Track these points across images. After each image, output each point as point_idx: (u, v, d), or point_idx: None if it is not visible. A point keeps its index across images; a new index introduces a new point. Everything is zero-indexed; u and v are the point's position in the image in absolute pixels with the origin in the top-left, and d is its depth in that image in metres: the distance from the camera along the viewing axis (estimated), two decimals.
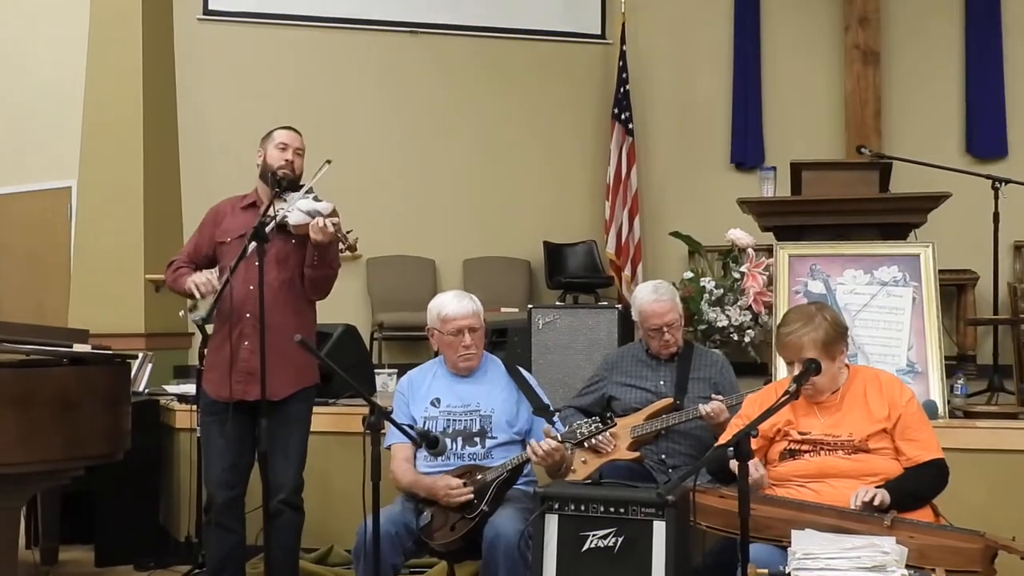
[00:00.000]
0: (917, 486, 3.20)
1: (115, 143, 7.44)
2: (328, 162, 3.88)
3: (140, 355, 5.82)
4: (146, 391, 5.76)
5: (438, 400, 3.78)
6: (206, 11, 7.89)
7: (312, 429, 4.08)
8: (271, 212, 3.73)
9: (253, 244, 3.59)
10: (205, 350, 4.21)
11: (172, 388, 5.88)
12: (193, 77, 7.82)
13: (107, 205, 7.44)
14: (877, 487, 3.12)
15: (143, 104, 7.43)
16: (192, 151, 7.72)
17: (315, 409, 4.12)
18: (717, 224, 6.04)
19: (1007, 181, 5.44)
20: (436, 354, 3.91)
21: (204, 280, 3.82)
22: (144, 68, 7.48)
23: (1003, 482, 4.35)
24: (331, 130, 7.59)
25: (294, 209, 3.76)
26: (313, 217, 3.76)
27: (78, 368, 3.87)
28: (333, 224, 3.73)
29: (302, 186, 3.90)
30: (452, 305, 3.77)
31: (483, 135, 8.18)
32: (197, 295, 3.83)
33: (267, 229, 3.64)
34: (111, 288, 7.21)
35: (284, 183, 3.84)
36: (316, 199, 3.82)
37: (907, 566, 2.74)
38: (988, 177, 5.46)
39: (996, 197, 5.42)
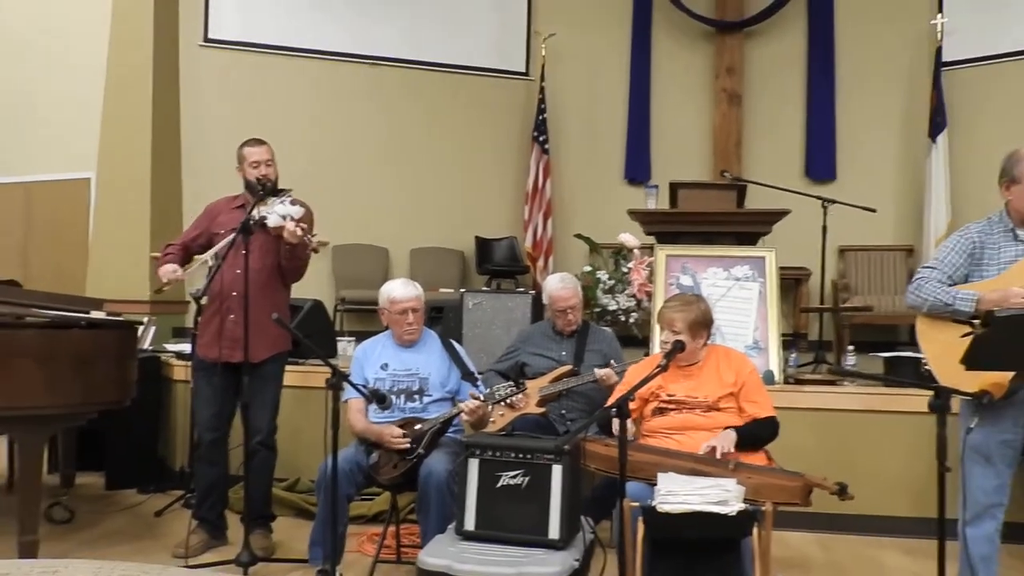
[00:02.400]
0: (758, 433, 3.28)
1: (128, 144, 7.25)
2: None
3: (145, 319, 5.69)
4: (150, 348, 5.64)
5: (386, 365, 3.76)
6: (206, 39, 7.69)
7: (285, 384, 4.05)
8: (255, 213, 3.67)
9: (239, 236, 3.58)
10: (199, 318, 4.14)
11: (171, 347, 5.76)
12: (194, 92, 7.61)
13: (120, 195, 7.24)
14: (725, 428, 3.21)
15: (152, 112, 7.26)
16: (191, 152, 7.52)
17: (288, 368, 4.08)
18: (613, 227, 5.98)
19: (833, 201, 5.57)
20: (386, 328, 3.89)
21: (169, 270, 3.76)
22: (154, 83, 7.30)
23: (824, 434, 4.48)
24: (308, 143, 7.51)
25: (272, 212, 3.69)
26: (285, 220, 3.72)
27: (94, 331, 3.77)
28: (302, 229, 3.70)
29: (281, 190, 3.82)
30: (399, 290, 3.75)
31: (431, 151, 8.05)
32: (162, 280, 3.75)
33: (251, 225, 3.60)
34: (122, 262, 7.02)
35: (265, 191, 3.77)
36: (292, 202, 3.76)
37: (744, 500, 2.80)
38: (819, 198, 5.56)
39: (824, 213, 5.54)
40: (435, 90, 8.09)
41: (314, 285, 6.08)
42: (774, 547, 3.90)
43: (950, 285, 2.95)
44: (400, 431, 3.56)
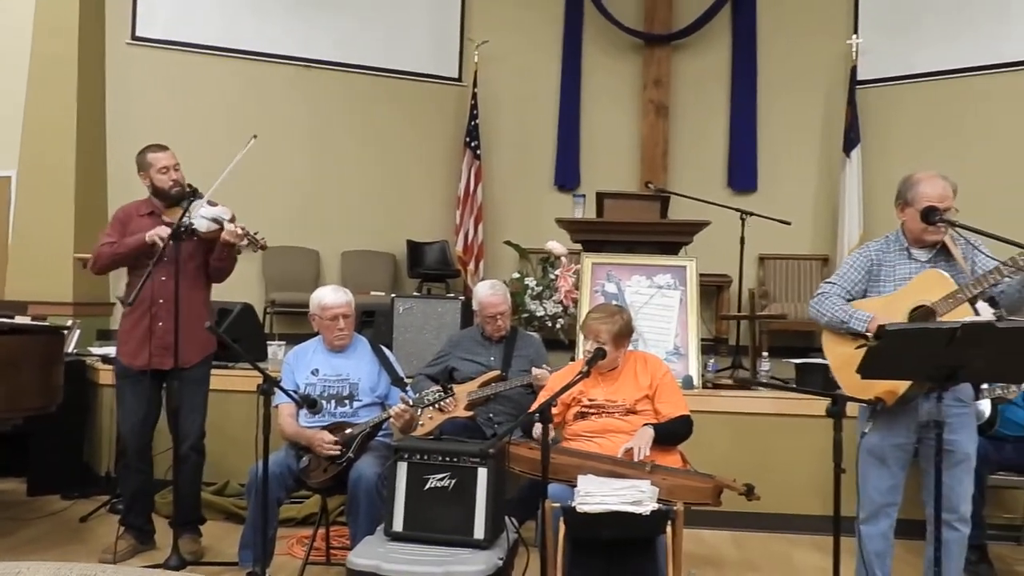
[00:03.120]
0: (674, 430, 3.46)
1: (51, 142, 7.07)
2: (255, 136, 3.85)
3: (69, 321, 5.61)
4: (75, 352, 5.55)
5: (317, 370, 3.82)
6: (134, 36, 7.57)
7: (213, 388, 4.07)
8: (184, 222, 3.67)
9: (168, 245, 3.59)
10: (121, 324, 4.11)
11: (96, 350, 5.68)
12: (120, 90, 7.47)
13: (43, 194, 7.06)
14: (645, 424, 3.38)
15: (76, 110, 7.10)
16: (116, 151, 7.37)
17: (217, 372, 4.11)
18: (543, 232, 6.15)
19: (751, 214, 5.81)
20: (317, 333, 3.94)
21: (162, 230, 3.66)
22: (79, 79, 7.13)
23: (740, 436, 4.67)
24: (239, 145, 7.37)
25: (198, 217, 3.69)
26: (219, 223, 3.75)
27: (18, 336, 3.75)
28: (241, 228, 3.74)
29: (201, 194, 3.79)
30: (330, 297, 3.83)
31: (364, 154, 8.07)
32: (159, 243, 3.62)
33: (181, 233, 3.63)
34: (45, 264, 6.87)
35: (184, 199, 3.74)
36: (212, 204, 3.77)
37: (658, 500, 2.95)
38: (737, 210, 5.79)
39: (743, 224, 5.77)
40: (368, 94, 8.13)
41: (244, 287, 6.09)
42: (691, 545, 4.12)
43: (849, 299, 3.17)
44: (331, 437, 3.62)
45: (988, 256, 3.04)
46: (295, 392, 3.56)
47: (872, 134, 7.70)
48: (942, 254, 3.12)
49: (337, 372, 3.82)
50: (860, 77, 7.75)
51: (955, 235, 3.09)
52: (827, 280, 3.28)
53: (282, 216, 7.54)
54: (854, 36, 7.81)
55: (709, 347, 6.91)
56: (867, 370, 2.74)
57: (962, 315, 2.87)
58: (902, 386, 2.95)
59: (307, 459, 3.64)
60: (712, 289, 7.42)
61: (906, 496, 3.24)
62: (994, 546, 4.18)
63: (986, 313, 2.90)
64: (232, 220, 3.75)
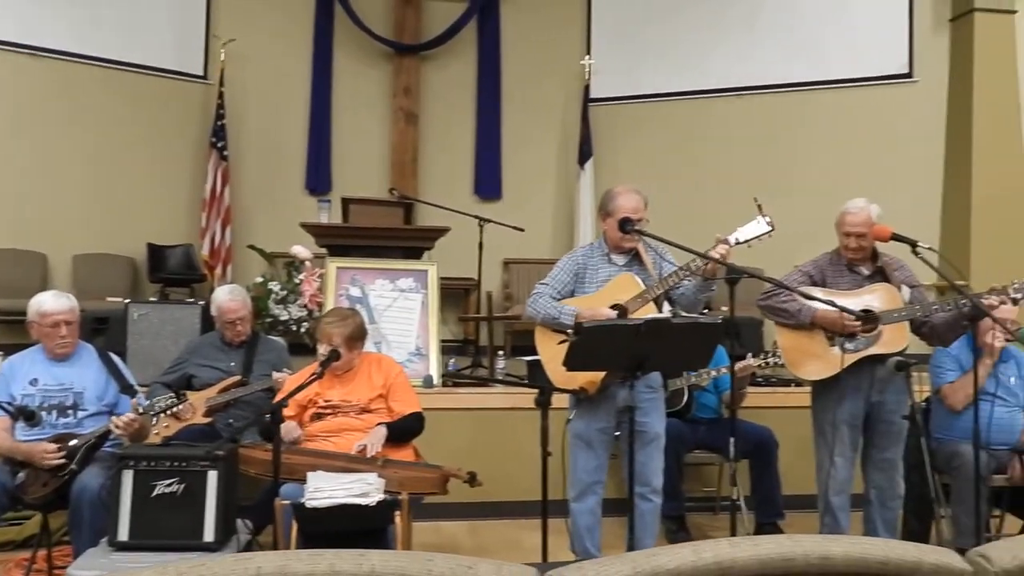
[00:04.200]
0: (406, 427, 3.66)
1: None
2: None
3: None
4: None
5: (36, 380, 3.65)
6: None
7: None
8: None
9: None
10: None
11: None
12: None
13: None
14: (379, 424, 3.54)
15: None
16: None
17: None
18: (293, 236, 6.06)
19: (488, 220, 6.13)
20: (37, 342, 3.76)
21: None
22: None
23: (477, 430, 4.94)
24: None
25: None
26: None
27: None
28: None
29: None
30: (50, 303, 3.66)
31: (100, 151, 7.60)
32: None
33: None
34: None
35: None
36: None
37: (386, 492, 3.14)
38: (476, 217, 6.09)
39: (481, 230, 6.07)
40: (103, 88, 7.67)
41: None
42: (429, 535, 4.37)
43: (559, 299, 3.54)
44: (53, 447, 3.48)
45: (670, 263, 3.52)
46: (8, 404, 3.39)
47: (603, 148, 8.39)
48: (636, 260, 3.57)
49: (59, 382, 3.66)
50: (593, 95, 8.41)
51: (646, 243, 3.55)
52: (541, 282, 3.64)
53: (2, 216, 6.96)
54: (587, 57, 8.47)
55: (457, 348, 7.25)
56: (570, 363, 3.09)
57: (648, 312, 3.31)
58: (600, 376, 3.34)
59: (24, 474, 3.47)
60: (460, 292, 7.72)
61: (615, 477, 3.66)
62: (693, 516, 4.77)
63: (667, 311, 3.36)
64: None
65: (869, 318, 3.58)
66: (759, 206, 3.42)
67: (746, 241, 3.36)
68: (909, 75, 7.76)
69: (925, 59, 7.72)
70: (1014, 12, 7.52)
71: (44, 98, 7.45)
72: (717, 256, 3.26)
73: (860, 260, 3.75)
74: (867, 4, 7.85)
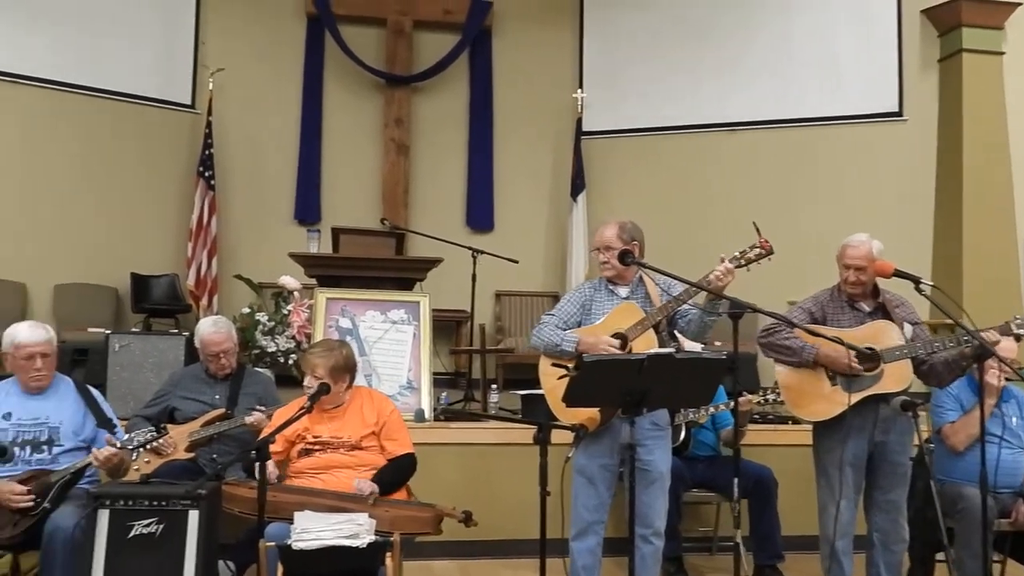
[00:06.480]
0: (395, 475, 3.50)
1: None
2: None
3: None
4: None
5: (9, 414, 3.48)
6: None
7: None
8: None
9: None
10: None
11: None
12: None
13: None
14: (371, 475, 3.38)
15: None
16: None
17: None
18: (281, 267, 5.93)
19: (481, 252, 6.03)
20: (10, 374, 3.59)
21: None
22: None
23: (469, 466, 4.80)
24: None
25: None
26: None
27: None
28: None
29: None
30: (24, 334, 3.51)
31: (84, 180, 7.46)
32: None
33: None
34: None
35: None
36: None
37: (377, 532, 2.99)
38: (469, 248, 5.97)
39: (474, 262, 5.96)
40: (89, 116, 7.54)
41: None
42: (419, 575, 4.18)
43: (564, 329, 3.45)
44: (22, 488, 3.30)
45: (667, 293, 3.44)
46: None
47: (595, 181, 8.33)
48: (642, 291, 3.49)
49: (34, 416, 3.50)
50: (585, 128, 8.37)
51: (651, 277, 3.47)
52: (547, 313, 3.58)
53: None
54: (579, 90, 8.43)
55: (448, 381, 7.08)
56: (570, 399, 2.96)
57: (648, 339, 3.23)
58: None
59: None
60: (451, 324, 7.61)
61: (614, 516, 3.52)
62: (689, 557, 4.61)
63: (670, 346, 3.25)
64: None
65: (872, 356, 3.49)
66: (758, 230, 3.40)
67: (745, 260, 3.35)
68: (899, 114, 7.75)
69: (914, 98, 7.72)
70: (1002, 54, 7.55)
71: (30, 126, 7.32)
72: (721, 271, 3.25)
73: (860, 296, 3.67)
74: (855, 44, 7.85)
